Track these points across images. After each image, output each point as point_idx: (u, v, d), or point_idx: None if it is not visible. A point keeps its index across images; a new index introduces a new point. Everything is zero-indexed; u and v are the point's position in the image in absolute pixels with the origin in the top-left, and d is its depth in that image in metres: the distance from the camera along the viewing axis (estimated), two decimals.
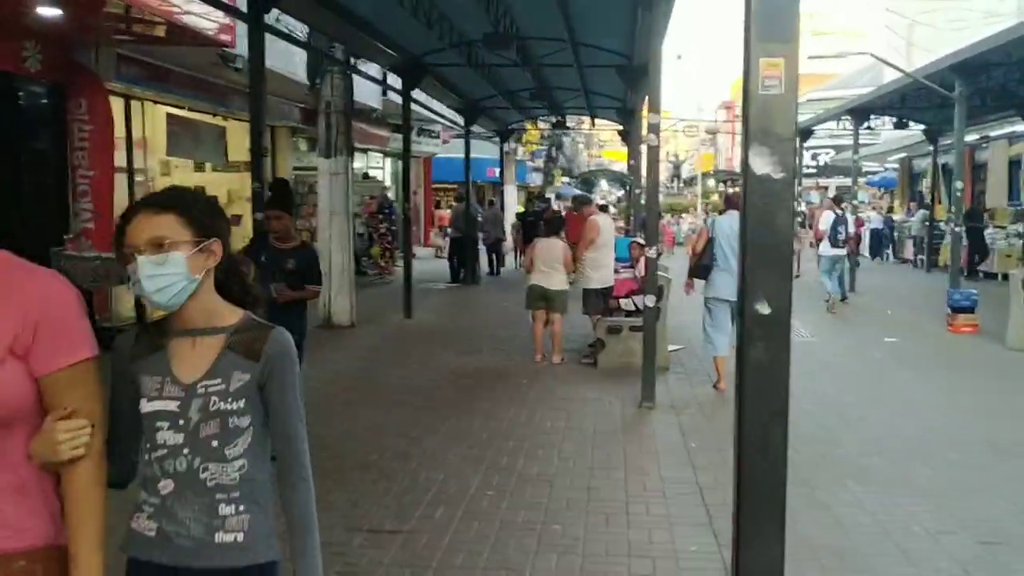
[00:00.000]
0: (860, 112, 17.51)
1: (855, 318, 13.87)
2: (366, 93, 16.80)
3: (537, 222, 18.49)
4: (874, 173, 38.26)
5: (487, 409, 7.47)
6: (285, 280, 5.60)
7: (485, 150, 27.94)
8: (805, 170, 43.98)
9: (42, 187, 9.98)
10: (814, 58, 23.94)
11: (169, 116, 12.94)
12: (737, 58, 2.84)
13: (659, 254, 10.61)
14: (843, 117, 21.07)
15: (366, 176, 20.95)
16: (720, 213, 9.64)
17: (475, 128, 23.05)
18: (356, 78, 13.10)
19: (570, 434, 6.70)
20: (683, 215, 37.45)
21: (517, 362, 9.61)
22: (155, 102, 12.49)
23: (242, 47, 10.96)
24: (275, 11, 9.50)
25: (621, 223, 20.17)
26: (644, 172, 16.20)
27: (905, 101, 17.53)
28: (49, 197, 10.00)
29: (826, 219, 14.70)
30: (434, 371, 9.13)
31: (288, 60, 12.35)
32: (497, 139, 24.39)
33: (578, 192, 23.03)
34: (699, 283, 8.76)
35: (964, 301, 11.85)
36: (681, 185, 65.68)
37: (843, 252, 14.60)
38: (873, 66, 45.27)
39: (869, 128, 21.20)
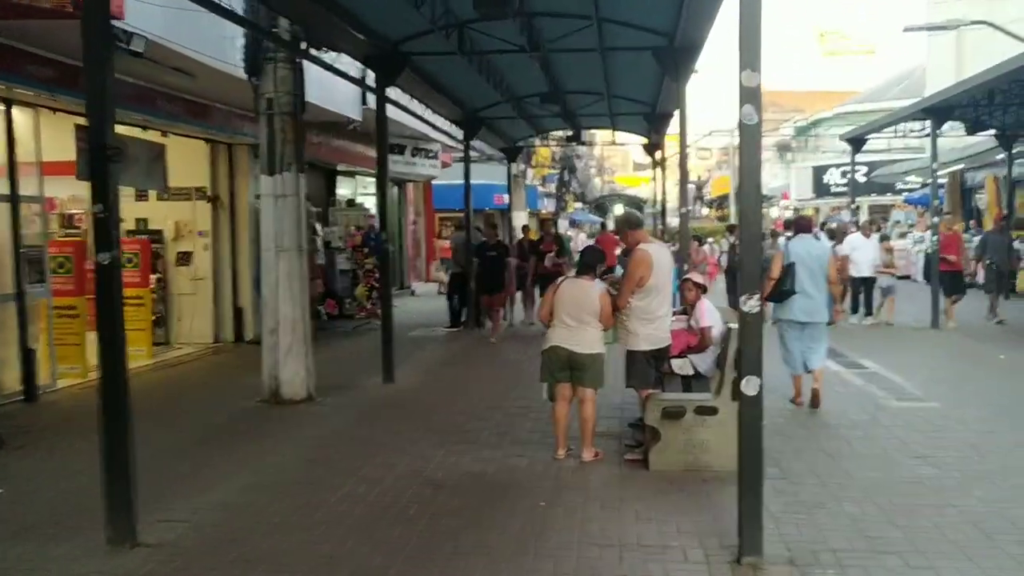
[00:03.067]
0: (939, 112, 14.35)
1: (960, 363, 10.79)
2: (343, 100, 14.01)
3: (501, 257, 14.42)
4: (912, 189, 34.55)
5: (479, 569, 4.43)
6: None
7: (492, 175, 25.35)
8: (836, 188, 40.80)
9: None
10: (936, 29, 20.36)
11: (79, 128, 10.07)
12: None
13: (706, 289, 8.03)
14: (909, 122, 17.86)
15: (351, 203, 18.03)
16: (789, 238, 9.32)
17: (480, 146, 20.21)
18: (318, 75, 10.21)
19: None
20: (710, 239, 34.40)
21: (529, 461, 6.52)
22: (54, 109, 9.63)
23: (142, 20, 8.13)
24: None
25: None
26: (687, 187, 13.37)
27: (993, 98, 14.54)
28: None
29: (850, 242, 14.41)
30: (405, 481, 6.07)
31: (224, 50, 9.47)
32: (503, 159, 21.48)
33: (594, 216, 20.07)
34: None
35: None
36: (703, 209, 62.74)
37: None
38: (906, 76, 42.33)
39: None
